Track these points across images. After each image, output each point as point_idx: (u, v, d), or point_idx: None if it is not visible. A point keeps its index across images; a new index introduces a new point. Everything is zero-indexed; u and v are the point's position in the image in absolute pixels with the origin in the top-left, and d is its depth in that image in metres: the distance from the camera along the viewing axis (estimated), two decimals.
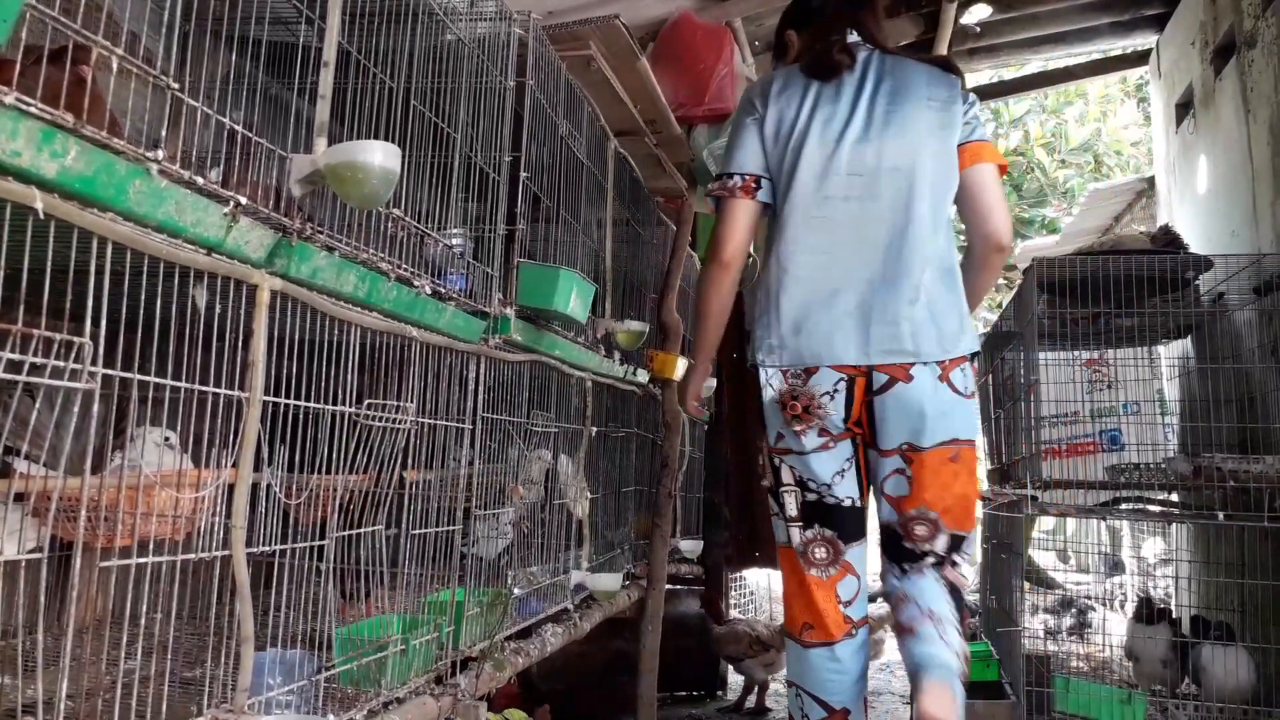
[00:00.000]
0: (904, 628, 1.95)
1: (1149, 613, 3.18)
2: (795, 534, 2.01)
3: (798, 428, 1.97)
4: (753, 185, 2.04)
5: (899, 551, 1.99)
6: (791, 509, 2.01)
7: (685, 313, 3.50)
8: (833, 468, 1.99)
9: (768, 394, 2.00)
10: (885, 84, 2.03)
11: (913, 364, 1.92)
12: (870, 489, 2.06)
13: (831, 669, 1.97)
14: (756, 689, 3.98)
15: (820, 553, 2.00)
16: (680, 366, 3.25)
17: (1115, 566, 5.37)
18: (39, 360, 0.89)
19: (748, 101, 2.10)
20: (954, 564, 1.98)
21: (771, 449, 2.04)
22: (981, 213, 2.05)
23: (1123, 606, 5.31)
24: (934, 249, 1.98)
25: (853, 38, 2.09)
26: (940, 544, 1.96)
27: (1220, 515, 2.78)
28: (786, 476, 2.02)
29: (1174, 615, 3.30)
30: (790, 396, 1.96)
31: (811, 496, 2.00)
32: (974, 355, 1.99)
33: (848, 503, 2.01)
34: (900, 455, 1.96)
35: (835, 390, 1.94)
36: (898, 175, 1.98)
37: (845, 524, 2.00)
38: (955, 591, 1.97)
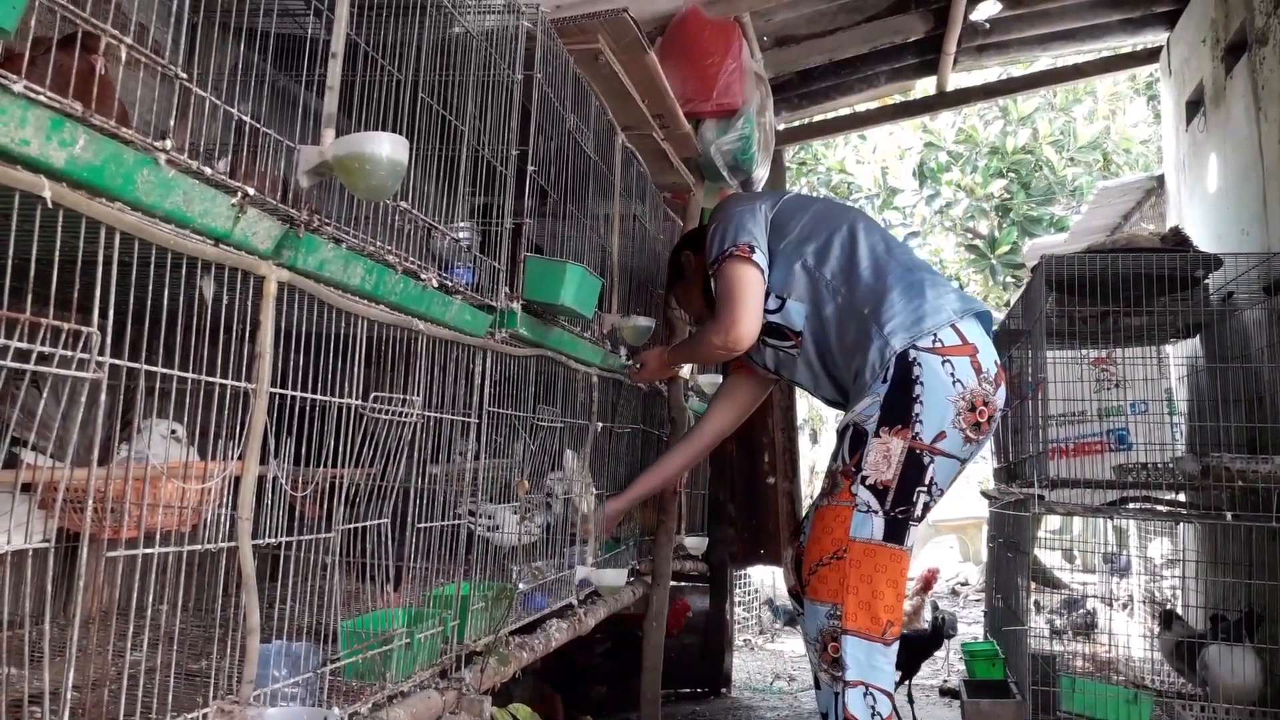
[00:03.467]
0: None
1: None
2: (911, 533, 2.04)
3: (972, 436, 2.03)
4: (749, 251, 2.24)
5: None
6: (919, 510, 2.03)
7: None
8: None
9: (953, 388, 2.02)
10: None
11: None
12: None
13: (895, 660, 2.04)
14: None
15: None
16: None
17: (1119, 566, 5.35)
18: (47, 350, 0.89)
19: (745, 201, 2.38)
20: None
21: (927, 446, 2.01)
22: None
23: (1126, 608, 5.29)
24: None
25: None
26: None
27: (1228, 515, 2.76)
28: (927, 477, 2.03)
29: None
30: (982, 401, 2.03)
31: (927, 501, 2.05)
32: None
33: None
34: (963, 466, 2.12)
35: (1003, 411, 2.09)
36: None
37: None
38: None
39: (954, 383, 2.01)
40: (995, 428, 2.10)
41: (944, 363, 2.01)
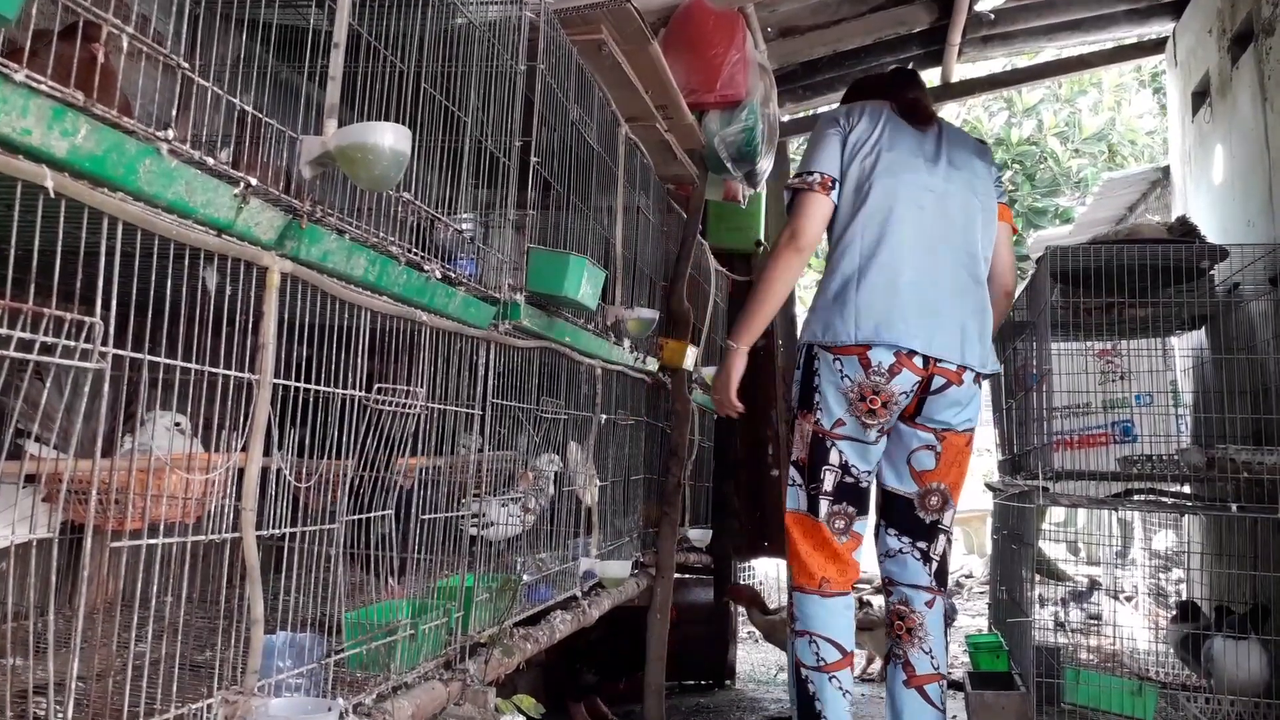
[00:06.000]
0: (914, 671, 2.28)
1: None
2: (824, 506, 2.25)
3: (869, 422, 2.21)
4: (830, 184, 2.31)
5: (910, 522, 2.32)
6: (828, 485, 2.25)
7: (695, 301, 3.49)
8: (876, 458, 2.29)
9: (842, 382, 2.21)
10: (948, 138, 2.40)
11: (964, 369, 2.24)
12: (882, 464, 2.33)
13: (847, 616, 2.25)
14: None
15: (839, 524, 2.27)
16: (690, 355, 3.24)
17: (1123, 555, 5.35)
18: (50, 340, 0.89)
19: (832, 119, 2.40)
20: (950, 539, 2.37)
21: (827, 432, 2.24)
22: (999, 265, 2.43)
23: (1131, 600, 5.29)
24: (982, 277, 2.33)
25: None
26: (947, 517, 2.33)
27: (1233, 507, 2.75)
28: (834, 459, 2.25)
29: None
30: (871, 391, 2.19)
31: (849, 480, 2.26)
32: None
33: (869, 485, 2.32)
34: (935, 433, 2.27)
35: (909, 391, 2.20)
36: (962, 205, 2.32)
37: (864, 502, 2.32)
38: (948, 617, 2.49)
39: (842, 378, 2.20)
40: (900, 406, 2.21)
41: (835, 360, 2.21)
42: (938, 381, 2.21)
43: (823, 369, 2.22)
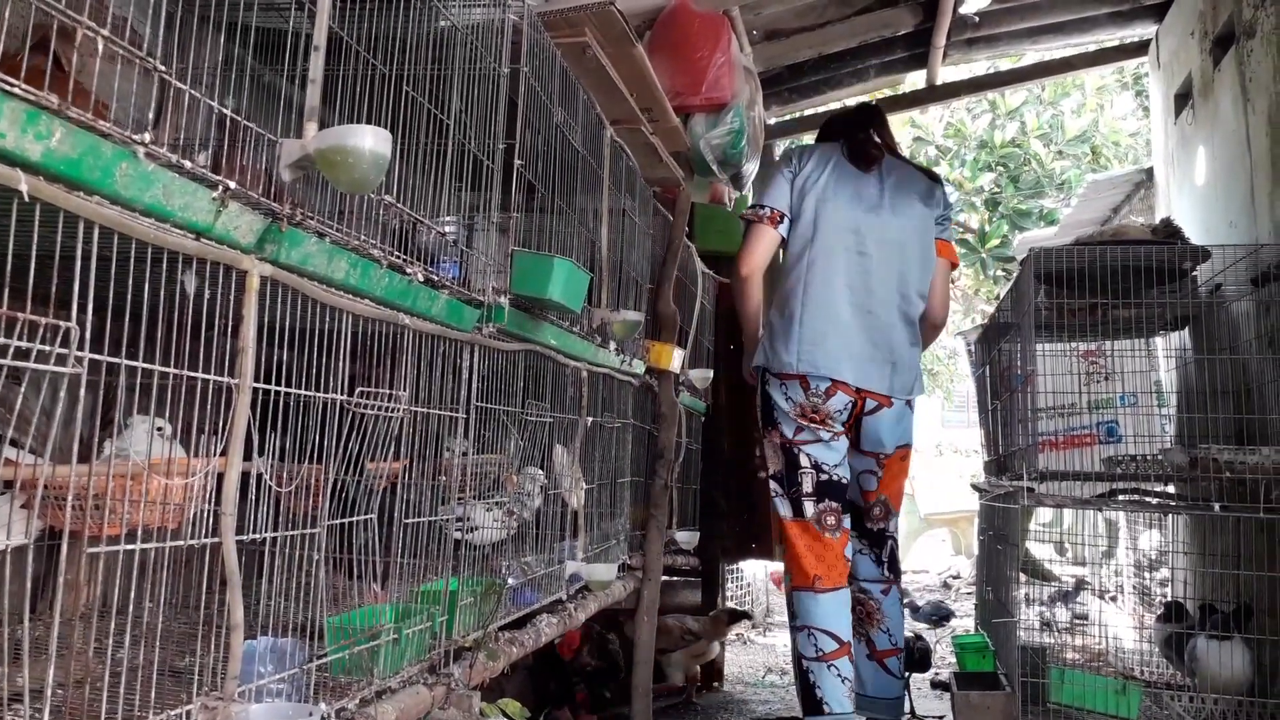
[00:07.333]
0: (875, 647, 2.69)
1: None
2: (809, 506, 2.57)
3: (817, 428, 2.59)
4: (778, 219, 2.67)
5: (861, 529, 2.76)
6: (808, 486, 2.57)
7: (681, 304, 3.49)
8: (841, 453, 2.63)
9: (786, 403, 2.59)
10: (893, 178, 2.69)
11: (891, 396, 2.62)
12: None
13: (844, 609, 2.52)
14: (688, 679, 4.03)
15: (830, 520, 2.57)
16: (676, 357, 3.23)
17: (1109, 554, 5.37)
18: (25, 345, 0.88)
19: (786, 158, 2.77)
20: (895, 541, 2.79)
21: (791, 441, 2.61)
22: (932, 300, 2.75)
23: (1114, 600, 5.31)
24: (914, 315, 2.66)
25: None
26: (891, 524, 2.77)
27: (1216, 506, 2.77)
28: (805, 462, 2.59)
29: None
30: (811, 410, 2.57)
31: (824, 477, 2.59)
32: None
33: (846, 480, 2.64)
34: (874, 458, 2.70)
35: (844, 409, 2.60)
36: (899, 248, 2.62)
37: (843, 496, 2.62)
38: (903, 597, 2.85)
39: (786, 399, 2.60)
40: (839, 420, 2.60)
41: (781, 384, 2.61)
42: (870, 404, 2.62)
43: (774, 390, 2.62)
